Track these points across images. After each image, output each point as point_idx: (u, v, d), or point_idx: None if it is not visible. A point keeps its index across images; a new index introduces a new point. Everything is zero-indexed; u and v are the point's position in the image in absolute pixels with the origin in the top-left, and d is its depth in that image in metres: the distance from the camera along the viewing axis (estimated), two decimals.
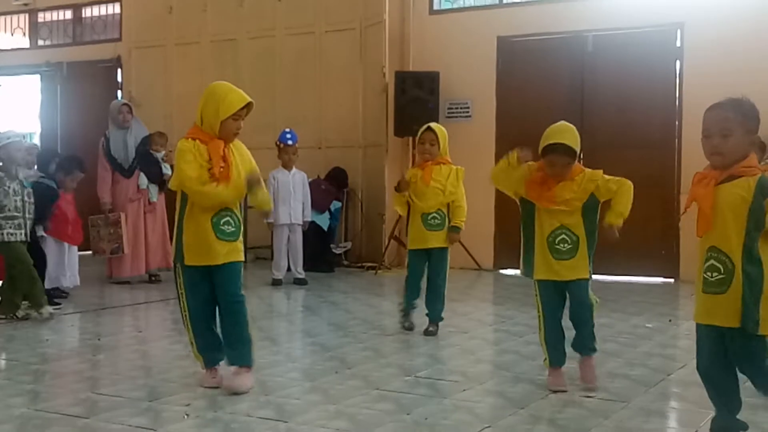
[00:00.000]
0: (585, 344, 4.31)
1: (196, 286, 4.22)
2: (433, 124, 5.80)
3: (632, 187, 4.13)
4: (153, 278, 8.55)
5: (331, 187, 9.97)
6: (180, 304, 4.29)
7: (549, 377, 4.28)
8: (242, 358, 4.22)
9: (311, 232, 9.40)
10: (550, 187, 4.11)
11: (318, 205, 9.55)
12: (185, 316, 4.28)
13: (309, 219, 8.77)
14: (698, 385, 3.36)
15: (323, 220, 9.68)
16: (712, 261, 3.06)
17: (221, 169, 4.11)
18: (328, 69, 10.77)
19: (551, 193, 4.10)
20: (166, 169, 8.31)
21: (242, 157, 4.27)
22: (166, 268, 8.48)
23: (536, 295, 4.29)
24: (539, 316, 4.29)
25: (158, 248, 8.55)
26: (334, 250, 9.99)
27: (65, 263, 7.30)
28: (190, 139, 4.15)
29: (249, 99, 4.17)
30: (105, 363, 4.95)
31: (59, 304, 6.81)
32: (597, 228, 4.19)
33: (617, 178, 4.15)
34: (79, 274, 7.53)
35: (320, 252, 9.66)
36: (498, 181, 4.35)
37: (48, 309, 6.23)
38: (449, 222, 5.76)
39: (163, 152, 8.51)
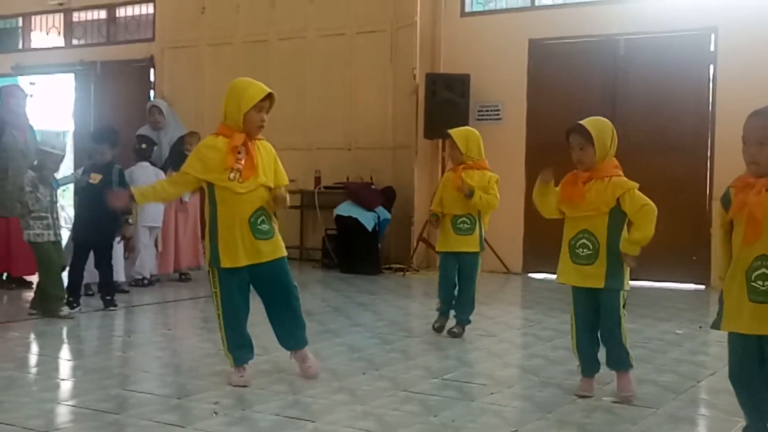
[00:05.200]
0: (618, 359, 4.17)
1: (231, 287, 4.26)
2: (451, 130, 5.78)
3: (656, 212, 3.99)
4: (183, 277, 8.61)
5: (381, 193, 9.95)
6: (214, 302, 4.33)
7: (579, 383, 4.25)
8: (302, 341, 4.48)
9: (354, 229, 9.42)
10: (579, 183, 4.08)
11: (365, 203, 9.60)
12: (218, 314, 4.32)
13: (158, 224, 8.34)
14: (728, 392, 3.33)
15: (368, 219, 9.61)
16: (763, 269, 3.00)
17: (240, 162, 4.15)
18: (359, 70, 10.79)
19: (580, 189, 4.06)
20: None
21: (269, 157, 4.30)
22: (197, 267, 8.54)
23: (571, 306, 4.23)
24: (571, 324, 4.25)
25: (189, 248, 8.60)
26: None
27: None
28: (213, 136, 4.25)
29: (269, 90, 4.22)
30: (135, 360, 5.00)
31: (115, 306, 6.72)
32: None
33: (645, 198, 4.03)
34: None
35: (364, 252, 9.64)
36: (542, 208, 4.27)
37: (66, 310, 6.24)
38: (480, 227, 5.74)
39: None
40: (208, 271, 4.33)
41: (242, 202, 4.19)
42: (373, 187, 10.01)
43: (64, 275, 6.47)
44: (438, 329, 5.83)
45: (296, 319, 4.44)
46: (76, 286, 6.63)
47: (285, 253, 4.37)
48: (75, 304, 6.48)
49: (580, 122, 4.11)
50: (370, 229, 9.59)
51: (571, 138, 4.12)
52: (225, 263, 4.20)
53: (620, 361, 4.17)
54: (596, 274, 4.07)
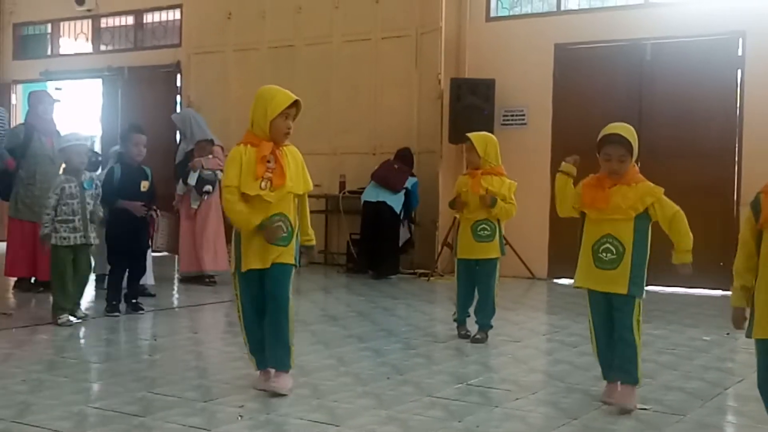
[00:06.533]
0: (626, 369, 4.04)
1: (250, 291, 4.29)
2: (470, 134, 5.79)
3: (685, 217, 3.99)
4: (208, 280, 8.69)
5: (403, 165, 9.90)
6: (236, 306, 4.38)
7: (605, 389, 4.22)
8: (281, 363, 4.24)
9: (384, 213, 9.42)
10: (605, 188, 4.05)
11: (392, 185, 9.62)
12: (239, 317, 4.36)
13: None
14: (756, 399, 3.30)
15: (396, 201, 9.64)
16: None
17: (271, 170, 4.16)
18: (384, 75, 10.81)
19: (605, 194, 4.03)
20: (191, 179, 8.53)
21: (296, 163, 4.32)
22: (197, 271, 8.67)
23: (588, 309, 4.21)
24: (590, 329, 4.22)
25: (188, 253, 8.75)
26: (403, 229, 9.87)
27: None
28: (241, 145, 4.24)
29: (295, 97, 4.24)
30: (161, 363, 5.03)
31: (142, 309, 6.76)
32: (647, 243, 4.07)
33: (672, 204, 4.01)
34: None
35: (389, 243, 9.63)
36: (562, 208, 4.26)
37: (65, 318, 6.15)
38: (500, 232, 5.72)
39: (206, 159, 8.66)
40: (233, 275, 4.36)
41: (268, 209, 4.21)
42: (396, 166, 9.83)
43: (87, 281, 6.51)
44: (465, 335, 5.80)
45: (278, 334, 4.22)
46: (118, 293, 6.69)
47: (291, 261, 4.26)
48: (117, 312, 6.55)
49: (617, 132, 4.04)
50: (398, 211, 9.61)
51: (611, 149, 4.01)
52: (244, 267, 4.24)
53: (627, 372, 4.06)
54: (619, 280, 4.02)
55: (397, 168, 9.76)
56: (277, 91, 4.26)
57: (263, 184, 4.17)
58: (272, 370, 4.28)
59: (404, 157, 10.00)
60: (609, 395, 4.16)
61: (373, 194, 9.65)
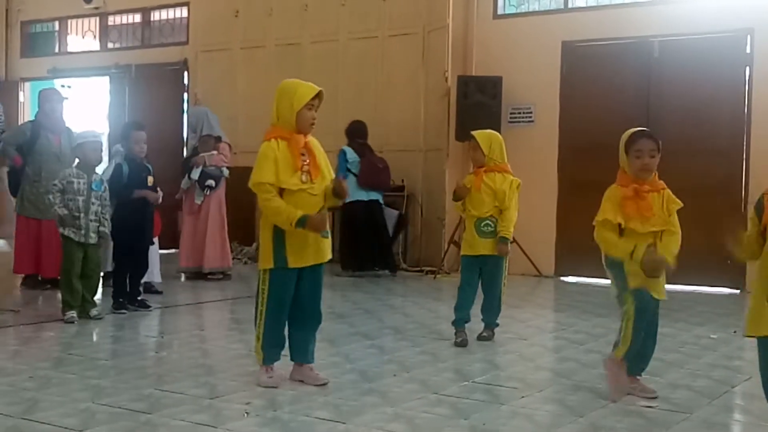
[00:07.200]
0: (647, 362, 4.31)
1: (285, 287, 4.27)
2: (474, 132, 5.75)
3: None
4: (209, 276, 8.75)
5: (381, 158, 9.74)
6: (259, 299, 4.29)
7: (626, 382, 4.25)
8: (312, 356, 4.43)
9: (378, 211, 9.49)
10: (644, 196, 4.04)
11: (384, 185, 9.66)
12: (262, 311, 4.28)
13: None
14: (763, 398, 3.29)
15: (381, 195, 9.69)
16: None
17: (307, 163, 4.20)
18: (391, 73, 10.80)
19: (647, 202, 4.03)
20: (194, 173, 8.58)
21: (321, 154, 4.37)
22: (196, 267, 8.73)
23: (629, 308, 4.06)
24: (632, 331, 4.05)
25: (189, 248, 8.79)
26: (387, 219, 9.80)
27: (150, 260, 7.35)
28: (272, 140, 4.21)
29: (319, 88, 4.27)
30: (168, 360, 5.04)
31: (149, 306, 6.77)
32: None
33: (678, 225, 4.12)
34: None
35: (386, 233, 9.65)
36: (609, 247, 4.13)
37: (70, 315, 6.16)
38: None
39: (209, 154, 8.68)
40: (264, 271, 4.27)
41: (311, 203, 4.20)
42: (380, 165, 9.68)
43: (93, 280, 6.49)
44: (462, 343, 5.52)
45: (314, 330, 4.45)
46: (125, 290, 6.69)
47: (330, 256, 4.42)
48: (124, 310, 6.56)
49: (644, 128, 4.07)
50: (383, 202, 9.67)
51: (642, 144, 4.03)
52: (293, 263, 4.22)
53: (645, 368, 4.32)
54: (663, 286, 4.14)
55: (382, 167, 9.69)
56: (299, 84, 4.30)
57: (303, 177, 4.18)
58: (302, 365, 4.41)
59: (361, 133, 9.72)
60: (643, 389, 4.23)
61: (362, 194, 9.47)
